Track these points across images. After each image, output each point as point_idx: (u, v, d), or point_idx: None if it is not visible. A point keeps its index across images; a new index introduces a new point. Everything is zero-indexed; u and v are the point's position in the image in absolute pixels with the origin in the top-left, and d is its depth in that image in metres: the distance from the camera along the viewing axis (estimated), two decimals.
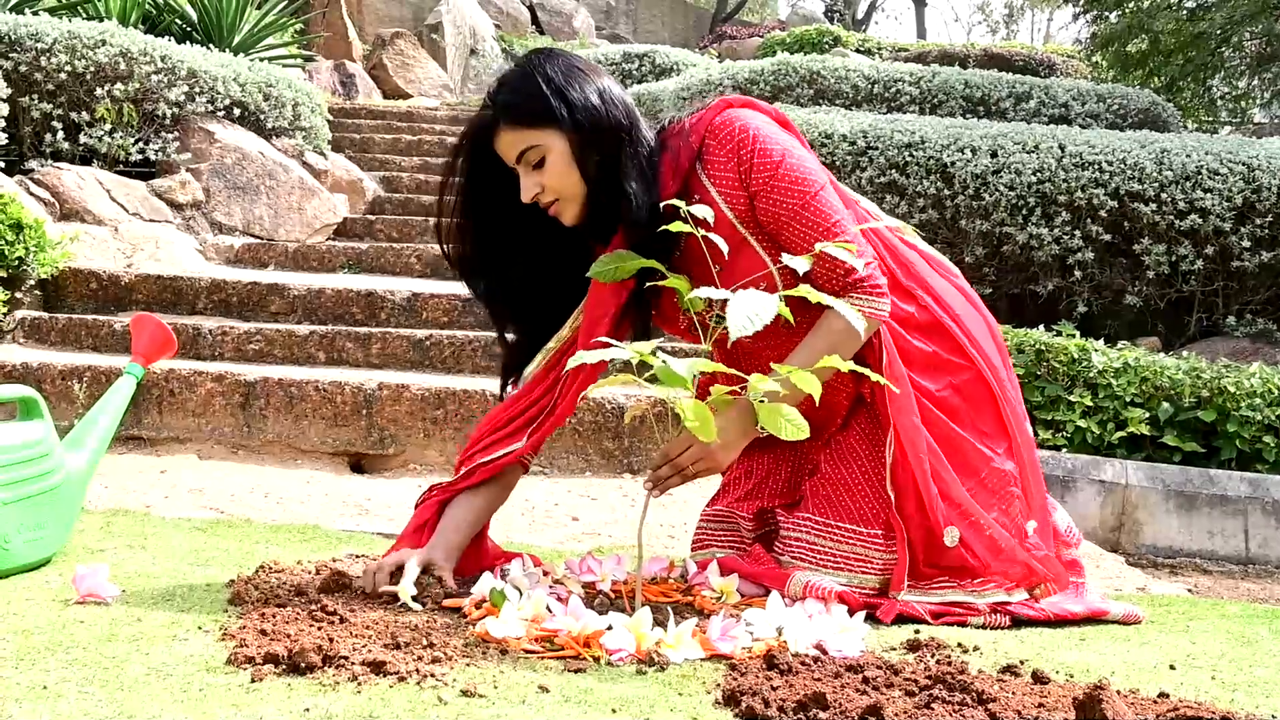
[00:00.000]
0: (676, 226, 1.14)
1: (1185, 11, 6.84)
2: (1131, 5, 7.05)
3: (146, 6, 5.17)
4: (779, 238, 1.22)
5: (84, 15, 4.59)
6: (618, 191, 1.20)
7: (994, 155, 3.09)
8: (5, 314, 2.82)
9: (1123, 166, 2.91)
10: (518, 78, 1.21)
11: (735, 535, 1.32)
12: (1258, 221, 2.83)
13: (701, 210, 1.13)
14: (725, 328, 1.10)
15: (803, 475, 1.32)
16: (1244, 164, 2.88)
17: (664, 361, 1.04)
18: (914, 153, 3.16)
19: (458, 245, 1.27)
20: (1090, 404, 2.14)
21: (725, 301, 1.08)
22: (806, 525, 1.24)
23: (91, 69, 3.76)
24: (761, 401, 1.11)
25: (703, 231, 1.14)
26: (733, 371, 1.15)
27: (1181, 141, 3.04)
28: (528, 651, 1.01)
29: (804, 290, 1.11)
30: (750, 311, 1.04)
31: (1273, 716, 0.94)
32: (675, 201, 1.15)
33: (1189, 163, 2.89)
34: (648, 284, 1.20)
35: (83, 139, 3.76)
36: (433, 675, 0.91)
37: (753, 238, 1.22)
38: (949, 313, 1.29)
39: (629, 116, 1.22)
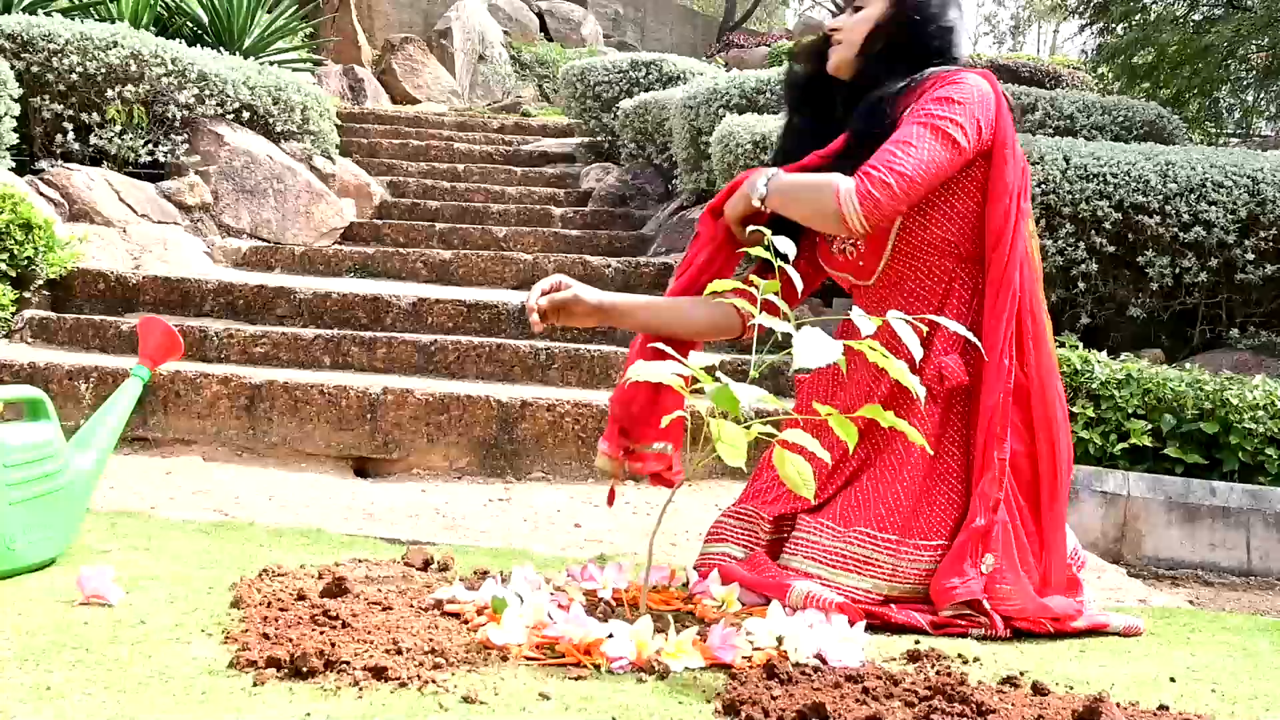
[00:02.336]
0: (757, 252, 1.19)
1: (1192, 24, 6.83)
2: (1138, 18, 7.05)
3: (158, 9, 5.21)
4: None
5: (96, 17, 4.63)
6: (874, 76, 1.31)
7: None
8: (14, 313, 2.84)
9: (1127, 178, 2.91)
10: None
11: (752, 535, 1.33)
12: (1262, 234, 2.82)
13: (785, 244, 1.17)
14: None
15: (832, 484, 1.34)
16: (1249, 177, 2.87)
17: (725, 383, 1.04)
18: None
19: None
20: (1093, 415, 2.13)
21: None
22: (825, 529, 1.26)
23: (103, 70, 3.79)
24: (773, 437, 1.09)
25: (780, 262, 1.18)
26: (792, 414, 1.18)
27: (1186, 154, 3.03)
28: (529, 658, 1.01)
29: (876, 357, 1.10)
30: (815, 350, 1.04)
31: None
32: (762, 229, 1.21)
33: (1194, 175, 2.88)
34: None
35: (93, 140, 3.79)
36: (434, 681, 0.92)
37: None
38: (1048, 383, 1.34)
39: (943, 41, 1.33)
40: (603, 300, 1.34)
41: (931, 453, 1.17)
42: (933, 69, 1.31)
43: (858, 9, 1.35)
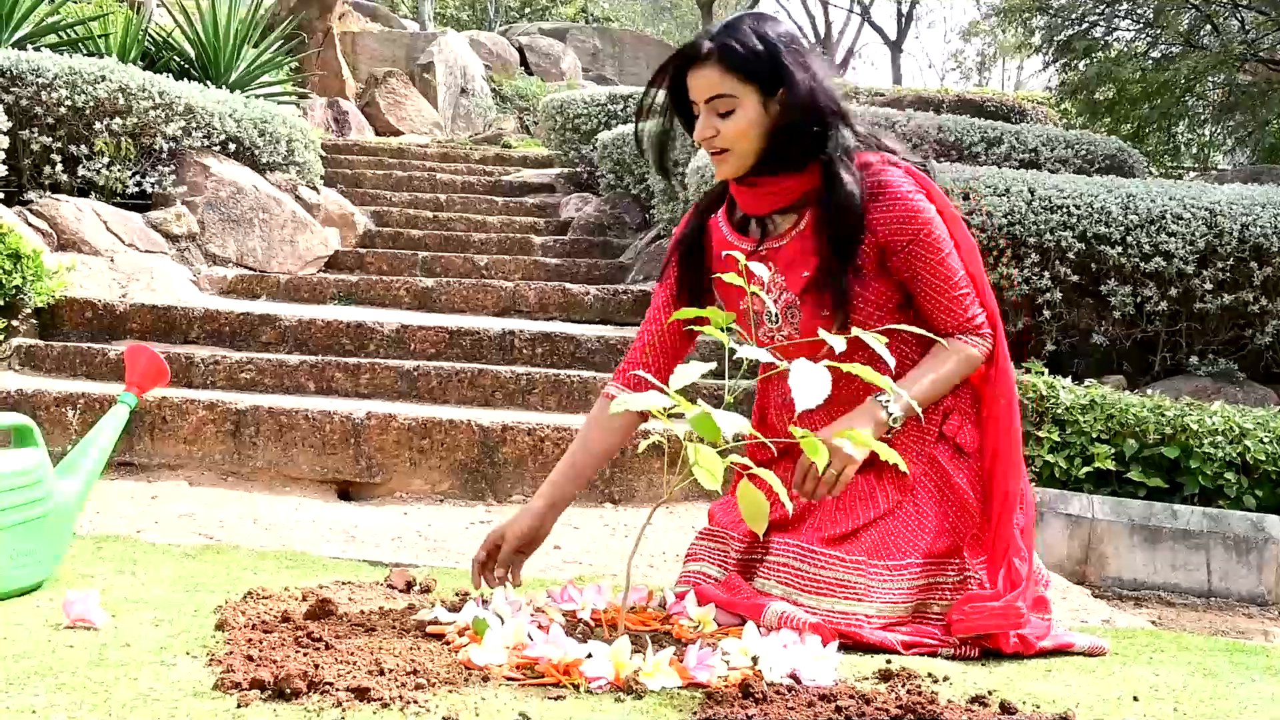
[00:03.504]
0: (730, 278, 1.18)
1: (1151, 61, 7.10)
2: (1099, 54, 7.31)
3: (146, 44, 5.27)
4: (911, 286, 1.30)
5: (85, 51, 4.68)
6: (785, 164, 1.26)
7: (966, 198, 3.18)
8: (2, 341, 2.84)
9: (1090, 210, 3.01)
10: (745, 28, 1.25)
11: (724, 555, 1.35)
12: (1219, 265, 2.92)
13: (759, 269, 1.18)
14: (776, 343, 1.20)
15: (800, 500, 1.36)
16: (1207, 209, 2.98)
17: (707, 411, 1.05)
18: None
19: (653, 153, 1.37)
20: (1058, 440, 2.19)
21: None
22: (794, 550, 1.28)
23: (91, 104, 3.82)
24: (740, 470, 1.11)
25: (754, 288, 1.19)
26: (763, 438, 1.20)
27: (1147, 187, 3.14)
28: (509, 679, 1.02)
29: (858, 370, 1.13)
30: (810, 386, 1.05)
31: None
32: (736, 254, 1.19)
33: (1154, 207, 2.99)
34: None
35: (81, 171, 3.81)
36: (415, 701, 0.93)
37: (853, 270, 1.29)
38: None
39: (832, 111, 1.27)
40: (539, 523, 1.31)
41: (905, 470, 1.18)
42: (850, 153, 1.28)
43: (723, 114, 1.25)
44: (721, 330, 1.16)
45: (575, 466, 1.35)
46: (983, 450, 1.34)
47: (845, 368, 1.13)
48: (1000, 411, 1.33)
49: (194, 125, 4.11)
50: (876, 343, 1.13)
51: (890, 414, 1.26)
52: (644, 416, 1.38)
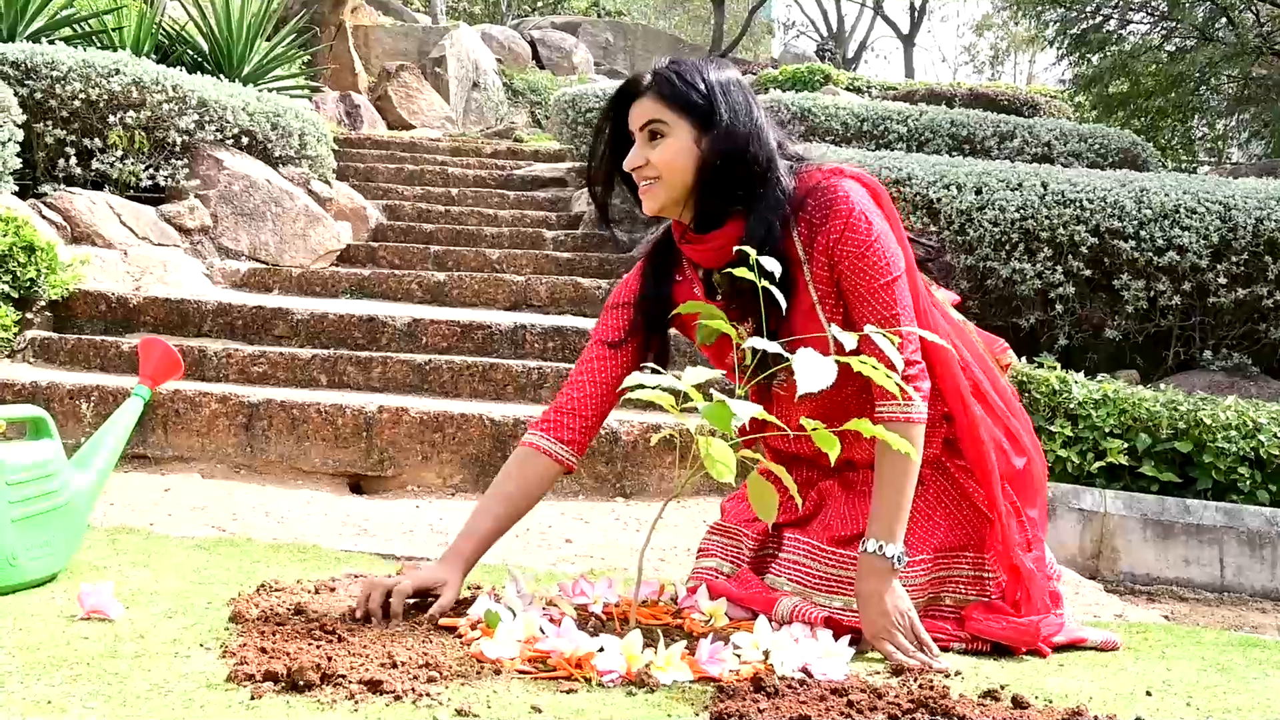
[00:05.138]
0: (740, 272, 1.16)
1: (1165, 54, 7.05)
2: (1113, 48, 7.26)
3: (159, 37, 5.29)
4: (850, 307, 1.26)
5: (99, 45, 4.71)
6: (723, 208, 1.24)
7: (979, 192, 3.17)
8: (16, 334, 2.86)
9: (1103, 204, 2.99)
10: (688, 64, 1.26)
11: (737, 551, 1.35)
12: (1233, 259, 2.90)
13: (770, 263, 1.15)
14: (776, 380, 1.12)
15: (813, 497, 1.36)
16: (1221, 203, 2.96)
17: (721, 399, 1.03)
18: (901, 189, 3.24)
19: (597, 187, 1.34)
20: (1070, 434, 2.18)
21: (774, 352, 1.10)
22: (805, 548, 1.29)
23: (105, 97, 3.85)
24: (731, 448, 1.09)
25: (765, 284, 1.15)
26: (778, 422, 1.17)
27: (1160, 181, 3.12)
28: (521, 672, 1.03)
29: (866, 369, 1.11)
30: (814, 371, 1.04)
31: None
32: (748, 249, 1.16)
33: (1167, 201, 2.97)
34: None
35: (95, 165, 3.84)
36: (428, 694, 0.94)
37: (819, 303, 1.26)
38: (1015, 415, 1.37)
39: (768, 157, 1.24)
40: (457, 572, 1.23)
41: (916, 462, 1.19)
42: (793, 173, 1.25)
43: (654, 135, 1.23)
44: (727, 324, 1.16)
45: (497, 520, 1.27)
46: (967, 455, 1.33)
47: (855, 364, 1.11)
48: (964, 424, 1.31)
49: (207, 119, 4.12)
50: (886, 343, 1.12)
51: (891, 557, 1.21)
52: (559, 462, 1.29)
